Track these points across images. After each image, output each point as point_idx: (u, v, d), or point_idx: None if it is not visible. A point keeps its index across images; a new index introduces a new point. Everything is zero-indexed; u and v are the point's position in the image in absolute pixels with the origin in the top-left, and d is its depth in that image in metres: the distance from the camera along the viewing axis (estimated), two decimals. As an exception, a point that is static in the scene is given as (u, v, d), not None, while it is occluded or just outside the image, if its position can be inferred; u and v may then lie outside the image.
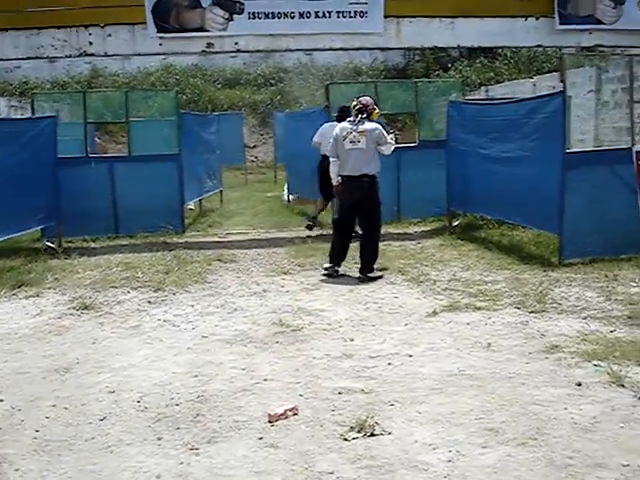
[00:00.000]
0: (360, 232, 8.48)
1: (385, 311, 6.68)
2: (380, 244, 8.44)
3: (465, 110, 10.65)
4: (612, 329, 5.87)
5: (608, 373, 4.79)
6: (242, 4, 10.21)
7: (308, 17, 10.29)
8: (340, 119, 9.05)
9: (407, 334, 5.93)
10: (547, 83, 16.64)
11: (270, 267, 8.81)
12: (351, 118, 8.16)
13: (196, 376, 5.10)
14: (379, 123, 8.33)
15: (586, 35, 10.98)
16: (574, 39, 11.06)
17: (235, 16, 10.27)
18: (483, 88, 22.92)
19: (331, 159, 8.24)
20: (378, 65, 30.35)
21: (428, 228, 11.15)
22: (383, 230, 8.76)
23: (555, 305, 6.62)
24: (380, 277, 8.02)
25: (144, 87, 27.49)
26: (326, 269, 8.24)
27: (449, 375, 4.93)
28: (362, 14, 10.35)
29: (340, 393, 4.67)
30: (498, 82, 24.17)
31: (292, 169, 14.82)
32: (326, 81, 28.88)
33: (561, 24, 10.69)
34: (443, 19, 10.69)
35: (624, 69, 14.84)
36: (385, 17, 10.43)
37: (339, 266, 8.28)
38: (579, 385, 4.69)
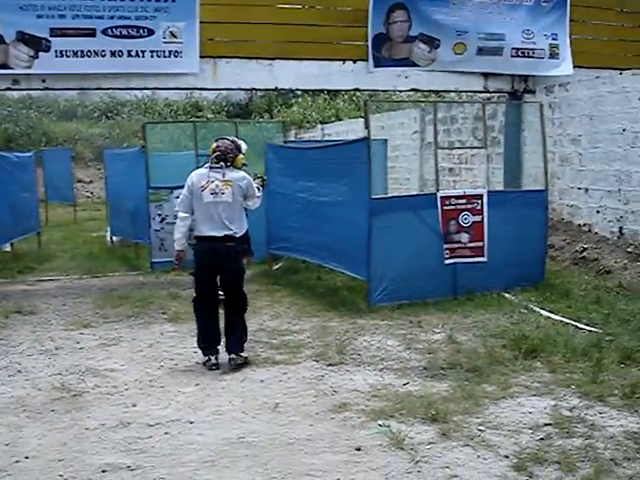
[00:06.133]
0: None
1: (179, 369, 6.36)
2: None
3: (281, 153, 10.56)
4: (405, 382, 5.84)
5: (388, 435, 4.69)
6: (48, 41, 9.61)
7: (120, 56, 9.85)
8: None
9: (195, 396, 5.63)
10: (376, 123, 17.01)
11: (71, 319, 8.25)
12: (209, 164, 6.51)
13: (-46, 455, 4.59)
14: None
15: (402, 79, 11.14)
16: (390, 82, 11.18)
17: (41, 53, 9.67)
18: (319, 126, 23.24)
19: (180, 214, 6.58)
20: (220, 101, 30.24)
21: (249, 272, 10.86)
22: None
23: (355, 356, 6.55)
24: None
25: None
26: (205, 364, 6.42)
27: (226, 444, 4.67)
28: (177, 54, 10.02)
29: (104, 471, 4.32)
30: (339, 119, 24.59)
31: (115, 209, 14.20)
32: (166, 116, 28.65)
33: (375, 67, 10.78)
34: (261, 60, 10.55)
35: (445, 111, 15.45)
36: (201, 57, 10.16)
37: (217, 351, 6.47)
38: (358, 450, 4.56)
